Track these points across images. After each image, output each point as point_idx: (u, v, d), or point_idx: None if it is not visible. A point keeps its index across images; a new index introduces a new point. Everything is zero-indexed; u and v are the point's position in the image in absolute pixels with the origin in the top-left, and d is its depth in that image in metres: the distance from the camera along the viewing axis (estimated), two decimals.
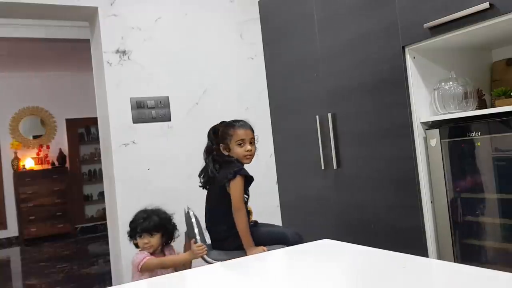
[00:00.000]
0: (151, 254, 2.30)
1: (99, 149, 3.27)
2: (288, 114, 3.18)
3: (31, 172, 6.87)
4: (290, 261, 1.23)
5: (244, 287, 1.03)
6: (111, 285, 3.33)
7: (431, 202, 2.23)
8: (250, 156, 2.31)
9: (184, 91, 3.10)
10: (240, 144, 2.30)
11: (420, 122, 2.24)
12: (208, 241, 2.35)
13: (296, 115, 3.09)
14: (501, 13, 1.81)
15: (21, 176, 6.74)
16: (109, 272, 3.49)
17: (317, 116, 2.85)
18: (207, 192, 2.41)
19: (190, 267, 2.26)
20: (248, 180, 2.27)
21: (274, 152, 3.34)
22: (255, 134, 2.36)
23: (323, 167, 2.84)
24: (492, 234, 2.02)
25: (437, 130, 2.17)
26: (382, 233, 2.46)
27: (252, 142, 2.33)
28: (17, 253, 6.15)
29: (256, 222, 2.43)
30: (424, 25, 2.08)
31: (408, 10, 2.20)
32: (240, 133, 2.31)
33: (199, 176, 2.43)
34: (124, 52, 2.93)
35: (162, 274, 2.12)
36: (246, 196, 2.30)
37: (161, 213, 2.40)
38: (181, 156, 3.05)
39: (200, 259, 2.23)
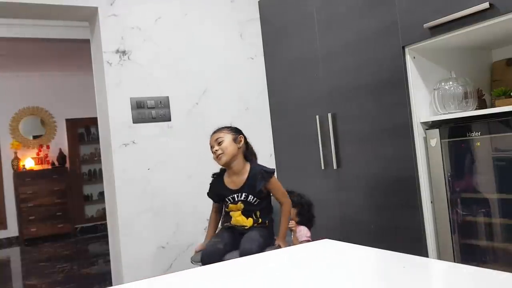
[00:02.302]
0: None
1: (99, 149, 3.27)
2: (288, 114, 3.18)
3: (31, 172, 6.87)
4: (290, 261, 1.23)
5: (244, 287, 1.03)
6: (111, 285, 3.33)
7: (431, 202, 2.23)
8: (219, 155, 2.30)
9: (184, 91, 3.10)
10: (212, 151, 2.36)
11: (420, 122, 2.24)
12: None
13: (296, 115, 3.09)
14: (501, 13, 1.81)
15: (21, 176, 6.74)
16: (109, 272, 3.49)
17: (317, 116, 2.85)
18: None
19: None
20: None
21: (274, 152, 3.34)
22: (231, 132, 2.34)
23: (323, 167, 2.84)
24: (492, 234, 2.02)
25: (437, 130, 2.17)
26: (382, 233, 2.46)
27: (220, 141, 2.30)
28: (17, 253, 6.15)
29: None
30: (424, 25, 2.08)
31: (408, 10, 2.20)
32: (210, 140, 2.36)
33: None
34: (124, 52, 2.94)
35: None
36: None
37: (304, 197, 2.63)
38: (181, 156, 3.05)
39: None
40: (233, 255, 2.19)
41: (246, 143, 2.39)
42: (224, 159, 2.28)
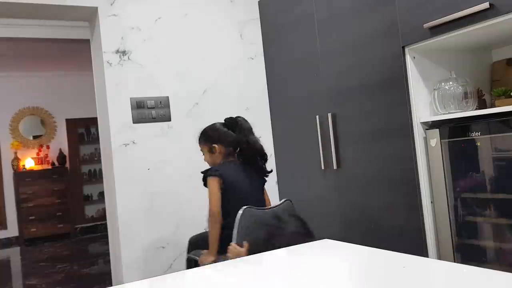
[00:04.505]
0: None
1: (99, 149, 3.27)
2: (288, 114, 3.18)
3: (31, 172, 6.87)
4: (290, 261, 1.23)
5: (244, 287, 1.03)
6: (111, 285, 3.33)
7: (431, 202, 2.23)
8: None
9: (184, 91, 3.10)
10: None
11: (420, 122, 2.24)
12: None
13: (296, 115, 3.09)
14: (501, 13, 1.81)
15: (21, 176, 6.74)
16: (109, 272, 3.49)
17: (317, 116, 2.85)
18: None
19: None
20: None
21: (274, 152, 3.34)
22: (206, 144, 2.41)
23: (323, 167, 2.84)
24: (492, 234, 2.02)
25: (437, 130, 2.17)
26: (382, 233, 2.46)
27: (202, 153, 2.44)
28: (17, 253, 6.15)
29: None
30: (424, 25, 2.08)
31: (408, 10, 2.20)
32: None
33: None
34: (124, 52, 2.94)
35: None
36: None
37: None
38: (181, 156, 3.05)
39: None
40: None
41: (232, 142, 2.37)
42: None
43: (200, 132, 2.44)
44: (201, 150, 2.43)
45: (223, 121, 2.45)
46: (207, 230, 2.73)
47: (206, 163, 2.43)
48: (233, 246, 1.92)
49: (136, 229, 2.87)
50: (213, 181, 2.22)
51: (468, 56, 2.39)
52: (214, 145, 2.36)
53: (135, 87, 2.95)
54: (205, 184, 2.29)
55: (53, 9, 2.87)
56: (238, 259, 1.31)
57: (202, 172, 2.31)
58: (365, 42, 2.48)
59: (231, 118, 2.43)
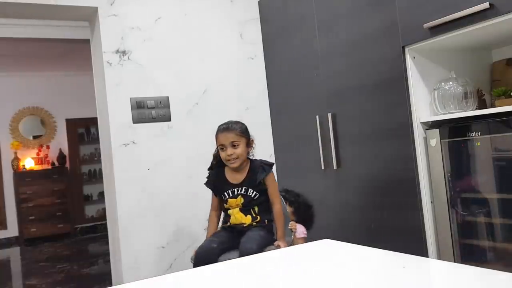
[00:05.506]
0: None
1: (99, 149, 3.27)
2: (288, 114, 3.18)
3: (31, 172, 6.87)
4: (290, 261, 1.23)
5: (244, 286, 1.03)
6: (111, 285, 3.33)
7: (431, 202, 2.23)
8: (233, 159, 2.29)
9: (184, 91, 3.10)
10: (222, 149, 2.32)
11: (420, 122, 2.24)
12: None
13: (296, 115, 3.09)
14: (501, 13, 1.81)
15: (21, 176, 6.74)
16: (109, 272, 3.49)
17: (317, 116, 2.85)
18: None
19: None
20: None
21: (274, 152, 3.34)
22: (245, 135, 2.32)
23: (323, 167, 2.84)
24: (492, 234, 2.02)
25: (437, 130, 2.17)
26: (382, 233, 2.46)
27: (235, 144, 2.28)
28: (17, 253, 6.15)
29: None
30: (424, 25, 2.08)
31: (408, 10, 2.20)
32: (220, 138, 2.31)
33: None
34: (124, 52, 2.94)
35: None
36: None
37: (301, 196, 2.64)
38: (181, 156, 3.05)
39: None
40: (230, 255, 2.18)
41: None
42: (238, 164, 2.31)
43: (234, 123, 2.34)
44: (234, 141, 2.27)
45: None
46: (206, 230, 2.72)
47: (227, 156, 2.27)
48: (294, 223, 2.45)
49: (136, 229, 2.87)
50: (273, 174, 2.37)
51: (468, 56, 2.39)
52: (252, 139, 2.37)
53: (135, 87, 2.95)
54: (260, 182, 2.30)
55: (53, 9, 2.87)
56: (237, 259, 1.31)
57: (267, 164, 2.35)
58: (365, 42, 2.48)
59: None
